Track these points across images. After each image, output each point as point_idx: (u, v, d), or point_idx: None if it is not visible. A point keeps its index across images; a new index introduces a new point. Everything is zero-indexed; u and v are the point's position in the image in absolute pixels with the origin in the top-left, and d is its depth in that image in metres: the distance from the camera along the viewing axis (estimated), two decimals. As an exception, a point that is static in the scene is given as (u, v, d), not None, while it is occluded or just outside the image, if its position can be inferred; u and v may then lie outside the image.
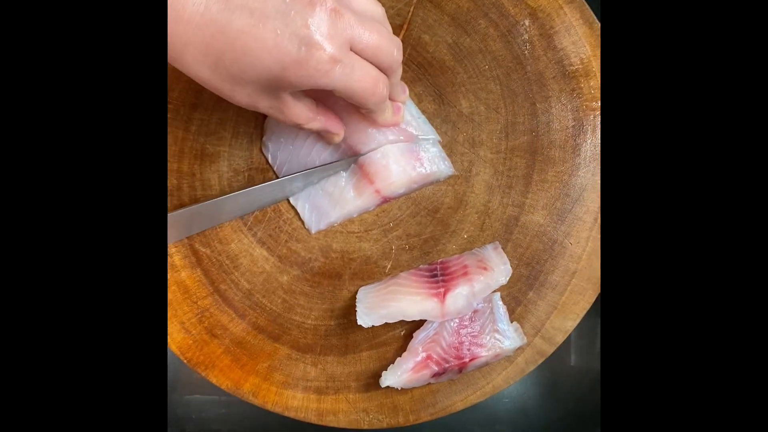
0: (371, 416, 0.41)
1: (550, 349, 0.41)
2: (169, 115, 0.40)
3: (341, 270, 0.41)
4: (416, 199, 0.40)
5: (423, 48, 0.40)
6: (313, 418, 0.41)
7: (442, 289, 0.38)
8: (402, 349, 0.40)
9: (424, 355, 0.38)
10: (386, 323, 0.38)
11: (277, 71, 0.28)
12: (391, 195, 0.39)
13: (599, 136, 0.40)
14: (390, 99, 0.36)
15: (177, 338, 0.41)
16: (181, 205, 0.40)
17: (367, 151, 0.38)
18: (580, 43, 0.39)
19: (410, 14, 0.39)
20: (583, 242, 0.40)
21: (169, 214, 0.36)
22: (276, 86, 0.30)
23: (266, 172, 0.40)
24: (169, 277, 0.40)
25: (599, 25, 0.39)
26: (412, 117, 0.38)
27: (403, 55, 0.39)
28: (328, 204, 0.39)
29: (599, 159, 0.40)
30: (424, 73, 0.40)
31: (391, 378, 0.38)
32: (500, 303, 0.40)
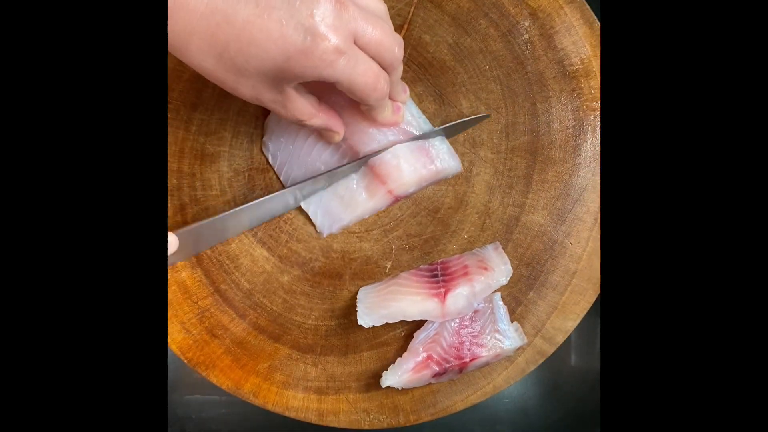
0: (372, 416, 0.41)
1: (550, 349, 0.41)
2: (169, 115, 0.40)
3: (342, 270, 0.41)
4: (417, 199, 0.40)
5: (423, 48, 0.40)
6: (313, 419, 0.41)
7: (442, 289, 0.38)
8: (402, 349, 0.40)
9: (424, 355, 0.38)
10: (387, 323, 0.38)
11: (281, 61, 0.28)
12: (404, 194, 0.39)
13: (599, 136, 0.40)
14: (390, 98, 0.36)
15: (177, 338, 0.41)
16: (182, 206, 0.40)
17: (368, 150, 0.38)
18: (581, 43, 0.39)
19: (411, 14, 0.39)
20: (584, 242, 0.40)
21: (177, 231, 0.36)
22: (280, 78, 0.30)
23: (266, 172, 0.40)
24: (169, 277, 0.40)
25: (599, 25, 0.39)
26: (412, 117, 0.38)
27: (404, 55, 0.39)
28: (340, 207, 0.39)
29: (599, 159, 0.40)
30: (425, 73, 0.40)
31: (392, 378, 0.38)
32: (501, 303, 0.40)
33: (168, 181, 0.40)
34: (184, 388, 0.53)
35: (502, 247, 0.40)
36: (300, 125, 0.34)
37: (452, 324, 0.39)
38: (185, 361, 0.41)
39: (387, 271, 0.41)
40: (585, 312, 0.41)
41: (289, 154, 0.39)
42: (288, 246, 0.41)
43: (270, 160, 0.40)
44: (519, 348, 0.40)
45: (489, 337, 0.39)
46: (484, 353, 0.38)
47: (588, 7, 0.39)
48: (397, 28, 0.39)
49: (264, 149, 0.40)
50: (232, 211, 0.37)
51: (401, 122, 0.38)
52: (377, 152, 0.38)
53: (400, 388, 0.39)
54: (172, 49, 0.29)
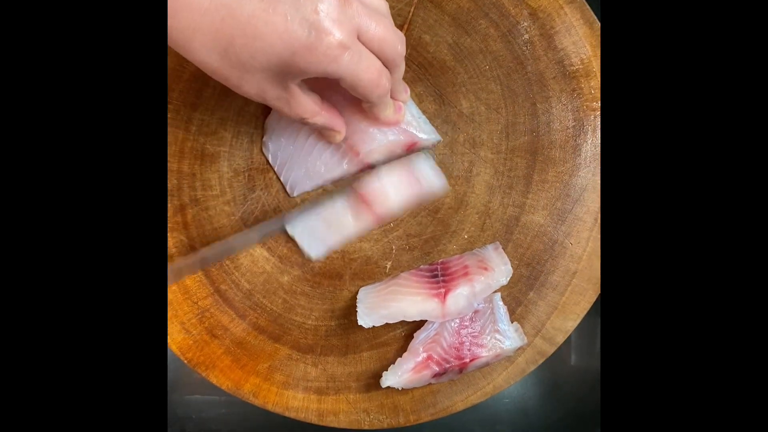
0: (372, 416, 0.41)
1: (550, 349, 0.41)
2: (169, 115, 0.40)
3: (342, 270, 0.41)
4: (417, 199, 0.40)
5: (423, 48, 0.40)
6: (313, 419, 0.41)
7: (442, 290, 0.38)
8: (402, 349, 0.40)
9: (424, 355, 0.38)
10: (387, 323, 0.38)
11: (287, 56, 0.28)
12: (389, 217, 0.40)
13: (599, 136, 0.40)
14: (392, 98, 0.36)
15: (177, 338, 0.41)
16: (182, 206, 0.40)
17: (368, 150, 0.38)
18: (581, 43, 0.39)
19: (411, 14, 0.39)
20: (584, 242, 0.40)
21: (183, 260, 0.36)
22: (285, 73, 0.30)
23: (267, 172, 0.40)
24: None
25: (599, 25, 0.39)
26: (412, 117, 0.38)
27: (404, 55, 0.39)
28: (327, 231, 0.39)
29: (599, 159, 0.40)
30: (425, 73, 0.40)
31: (392, 378, 0.38)
32: (501, 303, 0.40)
33: (168, 182, 0.40)
34: (184, 388, 0.53)
35: (502, 247, 0.40)
36: (302, 123, 0.34)
37: (452, 324, 0.39)
38: (185, 362, 0.41)
39: (387, 271, 0.41)
40: (585, 312, 0.41)
41: (290, 155, 0.39)
42: (288, 246, 0.41)
43: (270, 161, 0.40)
44: (519, 348, 0.40)
45: (489, 338, 0.39)
46: (485, 353, 0.38)
47: (588, 7, 0.39)
48: (398, 28, 0.39)
49: (264, 149, 0.40)
50: (241, 233, 0.37)
51: (402, 121, 0.38)
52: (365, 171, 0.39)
53: (400, 389, 0.39)
54: (176, 47, 0.29)
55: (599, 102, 0.39)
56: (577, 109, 0.39)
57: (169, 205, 0.40)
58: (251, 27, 0.28)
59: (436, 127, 0.40)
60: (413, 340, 0.39)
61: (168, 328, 0.40)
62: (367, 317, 0.38)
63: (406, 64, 0.39)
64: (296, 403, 0.41)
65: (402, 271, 0.40)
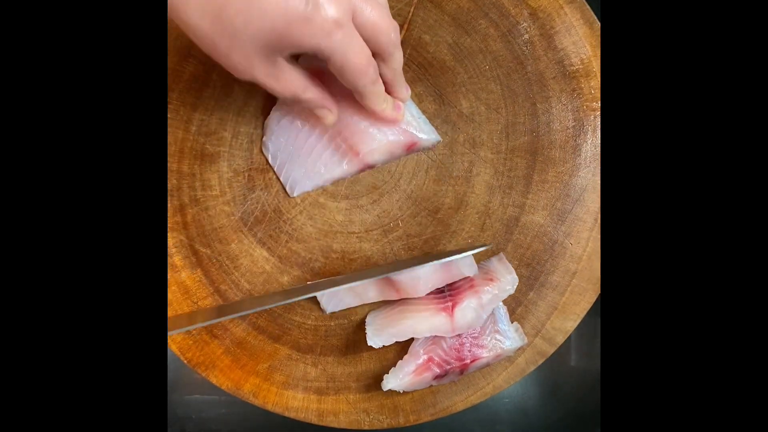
0: (372, 417, 0.41)
1: (550, 350, 0.41)
2: (169, 116, 0.40)
3: (342, 270, 0.41)
4: (416, 199, 0.40)
5: (423, 48, 0.40)
6: (313, 419, 0.41)
7: (449, 303, 0.38)
8: (402, 350, 0.40)
9: (425, 357, 0.38)
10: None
11: (281, 26, 0.28)
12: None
13: (599, 136, 0.40)
14: (392, 95, 0.36)
15: (177, 338, 0.41)
16: (181, 206, 0.40)
17: (368, 150, 0.38)
18: (581, 43, 0.39)
19: (410, 14, 0.39)
20: (584, 242, 0.40)
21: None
22: (276, 45, 0.29)
23: (266, 173, 0.40)
24: (169, 277, 0.40)
25: (599, 25, 0.39)
26: (412, 117, 0.38)
27: (404, 55, 0.39)
28: (348, 294, 0.39)
29: (599, 159, 0.40)
30: (425, 73, 0.40)
31: (393, 381, 0.38)
32: (501, 304, 0.40)
33: (168, 182, 0.40)
34: (184, 388, 0.53)
35: (502, 248, 0.40)
36: (294, 101, 0.34)
37: (452, 324, 0.39)
38: (185, 362, 0.41)
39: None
40: (585, 312, 0.41)
41: (289, 155, 0.39)
42: (288, 246, 0.41)
43: (270, 161, 0.40)
44: (519, 348, 0.40)
45: (489, 338, 0.39)
46: (485, 354, 0.38)
47: (588, 7, 0.39)
48: (397, 28, 0.39)
49: (264, 149, 0.40)
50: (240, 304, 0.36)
51: (401, 120, 0.38)
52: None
53: (401, 392, 0.39)
54: (170, 7, 0.28)
55: (599, 102, 0.39)
56: (577, 109, 0.39)
57: (169, 205, 0.40)
58: None
59: (436, 127, 0.40)
60: (414, 342, 0.39)
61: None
62: (376, 338, 0.38)
63: (406, 64, 0.39)
64: (296, 403, 0.41)
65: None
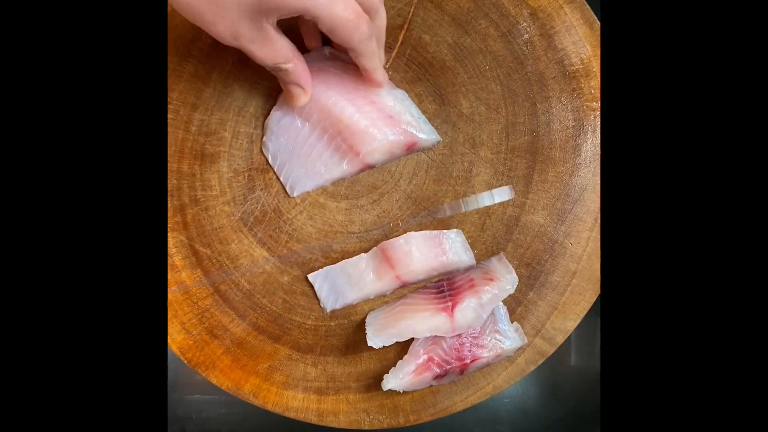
0: (372, 417, 0.41)
1: (550, 350, 0.41)
2: (169, 116, 0.40)
3: (341, 270, 0.41)
4: (416, 199, 0.40)
5: (423, 48, 0.40)
6: (313, 419, 0.41)
7: (449, 303, 0.38)
8: (402, 349, 0.40)
9: (425, 357, 0.38)
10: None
11: None
12: (412, 281, 0.39)
13: (599, 136, 0.40)
14: None
15: (177, 339, 0.41)
16: (181, 206, 0.40)
17: (368, 150, 0.38)
18: (581, 43, 0.39)
19: (410, 14, 0.39)
20: (584, 242, 0.40)
21: None
22: (259, 10, 0.29)
23: (266, 173, 0.40)
24: (169, 277, 0.40)
25: (599, 25, 0.39)
26: (412, 117, 0.38)
27: (404, 56, 0.39)
28: (347, 285, 0.40)
29: (599, 159, 0.40)
30: (425, 73, 0.40)
31: (393, 381, 0.38)
32: (501, 303, 0.40)
33: (168, 182, 0.40)
34: (184, 388, 0.53)
35: (502, 248, 0.40)
36: (275, 72, 0.34)
37: (452, 324, 0.39)
38: (185, 362, 0.41)
39: (387, 271, 0.41)
40: (585, 312, 0.41)
41: (289, 155, 0.39)
42: (288, 246, 0.41)
43: (270, 161, 0.40)
44: (519, 348, 0.40)
45: (489, 338, 0.39)
46: (485, 354, 0.38)
47: (588, 7, 0.39)
48: (397, 28, 0.39)
49: (264, 149, 0.40)
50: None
51: (384, 84, 0.37)
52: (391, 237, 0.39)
53: (401, 391, 0.39)
54: None
55: (599, 102, 0.39)
56: (577, 109, 0.39)
57: (169, 205, 0.40)
58: None
59: (436, 127, 0.40)
60: (414, 342, 0.39)
61: (168, 329, 0.40)
62: (376, 338, 0.38)
63: (406, 64, 0.39)
64: (296, 403, 0.41)
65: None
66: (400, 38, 0.39)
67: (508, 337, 0.39)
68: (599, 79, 0.39)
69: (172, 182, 0.40)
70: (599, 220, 0.40)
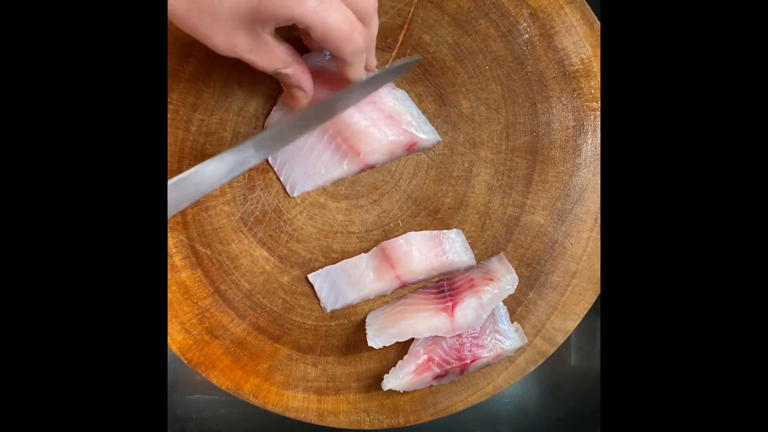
0: (372, 417, 0.41)
1: (550, 350, 0.41)
2: (169, 116, 0.40)
3: (342, 270, 0.41)
4: (417, 199, 0.40)
5: (423, 48, 0.40)
6: (313, 419, 0.41)
7: (449, 303, 0.38)
8: (403, 350, 0.40)
9: (425, 357, 0.38)
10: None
11: None
12: (412, 281, 0.40)
13: (599, 136, 0.40)
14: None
15: (177, 339, 0.41)
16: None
17: (368, 150, 0.38)
18: (581, 43, 0.39)
19: (411, 14, 0.39)
20: (584, 242, 0.40)
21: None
22: (253, 19, 0.29)
23: (266, 173, 0.40)
24: (169, 277, 0.40)
25: (599, 25, 0.39)
26: (412, 117, 0.38)
27: (404, 56, 0.39)
28: (347, 285, 0.40)
29: (599, 159, 0.40)
30: (425, 74, 0.40)
31: (393, 381, 0.38)
32: (501, 303, 0.40)
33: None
34: (184, 388, 0.53)
35: (502, 248, 0.40)
36: (275, 76, 0.34)
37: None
38: (185, 362, 0.41)
39: (387, 271, 0.41)
40: (585, 312, 0.41)
41: (290, 155, 0.39)
42: (288, 246, 0.41)
43: (270, 161, 0.40)
44: (519, 348, 0.40)
45: (489, 338, 0.39)
46: (485, 354, 0.38)
47: (588, 7, 0.39)
48: (397, 28, 0.39)
49: (264, 149, 0.40)
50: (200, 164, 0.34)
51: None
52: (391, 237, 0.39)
53: (401, 391, 0.39)
54: None
55: (599, 102, 0.39)
56: (577, 109, 0.39)
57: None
58: None
59: (436, 127, 0.40)
60: (414, 342, 0.39)
61: (168, 329, 0.40)
62: (377, 338, 0.38)
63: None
64: (296, 404, 0.41)
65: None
66: (400, 38, 0.39)
67: (508, 337, 0.39)
68: (599, 79, 0.39)
69: (172, 182, 0.40)
70: (599, 220, 0.40)
